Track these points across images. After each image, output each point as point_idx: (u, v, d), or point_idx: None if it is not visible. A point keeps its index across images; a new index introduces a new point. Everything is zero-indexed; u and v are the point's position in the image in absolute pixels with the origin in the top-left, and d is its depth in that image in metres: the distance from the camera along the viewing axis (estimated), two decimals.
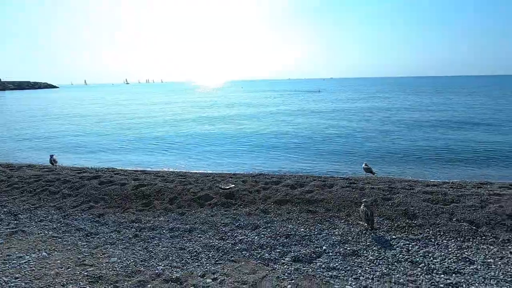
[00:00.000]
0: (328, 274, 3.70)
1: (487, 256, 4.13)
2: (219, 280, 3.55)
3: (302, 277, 3.62)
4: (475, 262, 3.98)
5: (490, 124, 17.91)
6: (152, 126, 20.82)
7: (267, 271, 3.76)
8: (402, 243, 4.48)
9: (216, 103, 39.79)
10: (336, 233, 4.80)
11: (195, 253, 4.23)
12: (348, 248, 4.32)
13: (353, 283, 3.51)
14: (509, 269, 3.82)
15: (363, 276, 3.64)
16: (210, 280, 3.56)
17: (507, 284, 3.52)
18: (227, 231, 4.90)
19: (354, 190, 6.36)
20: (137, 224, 5.28)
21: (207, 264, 3.95)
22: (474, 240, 4.56)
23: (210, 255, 4.20)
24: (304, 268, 3.82)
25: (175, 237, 4.76)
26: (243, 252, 4.25)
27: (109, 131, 19.15)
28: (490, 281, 3.58)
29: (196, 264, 3.96)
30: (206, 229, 5.00)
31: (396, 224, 5.03)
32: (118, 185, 7.03)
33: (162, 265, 3.93)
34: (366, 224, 4.88)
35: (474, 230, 4.78)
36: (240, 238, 4.67)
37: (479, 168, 9.78)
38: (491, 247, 4.39)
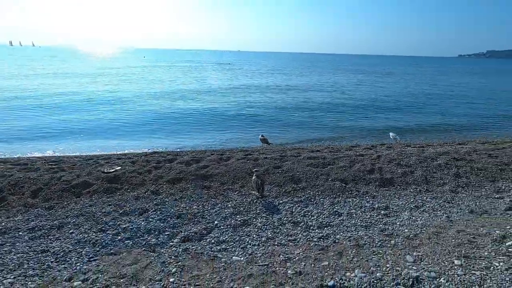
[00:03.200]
0: (217, 248, 3.68)
1: (351, 208, 4.93)
2: (90, 280, 3.06)
3: (189, 257, 3.49)
4: (342, 214, 4.69)
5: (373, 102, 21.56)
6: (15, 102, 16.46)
7: (152, 258, 3.46)
8: (287, 207, 4.88)
9: (109, 74, 34.48)
10: (229, 205, 4.84)
11: (62, 254, 3.53)
12: (239, 219, 4.42)
13: (240, 253, 3.60)
14: (364, 216, 4.65)
15: (250, 244, 3.79)
16: (79, 282, 3.03)
17: (362, 228, 4.28)
18: (108, 220, 4.30)
19: (248, 161, 6.55)
20: None
21: (78, 264, 3.35)
22: (343, 195, 5.37)
23: (83, 252, 3.58)
24: (193, 247, 3.70)
25: (36, 238, 3.87)
26: (125, 242, 3.80)
27: None
28: (351, 228, 4.28)
29: (63, 266, 3.32)
30: (82, 222, 4.26)
31: (284, 190, 5.44)
32: None
33: (12, 277, 3.13)
34: (257, 193, 5.09)
35: (344, 187, 5.63)
36: (124, 226, 4.16)
37: (353, 135, 11.68)
38: (354, 199, 5.26)
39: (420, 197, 5.39)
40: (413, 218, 4.63)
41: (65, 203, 4.82)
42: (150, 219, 4.36)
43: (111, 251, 3.62)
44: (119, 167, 5.94)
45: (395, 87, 27.46)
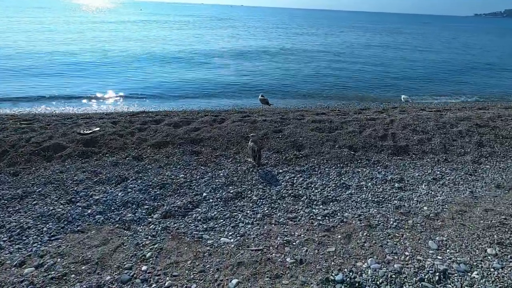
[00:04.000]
0: (203, 227, 3.12)
1: (361, 179, 4.30)
2: (46, 266, 2.52)
3: (169, 237, 2.94)
4: (350, 187, 4.08)
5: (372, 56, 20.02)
6: None
7: (124, 238, 2.91)
8: (288, 177, 4.25)
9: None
10: (221, 174, 4.22)
11: (19, 231, 2.97)
12: (232, 191, 3.82)
13: (230, 233, 3.04)
14: (376, 190, 4.04)
15: (243, 223, 3.22)
16: (31, 269, 2.49)
17: (374, 204, 3.69)
18: (80, 190, 3.70)
19: (245, 124, 5.81)
20: None
21: (36, 244, 2.81)
22: (352, 164, 4.73)
23: (44, 229, 3.03)
24: (175, 225, 3.13)
25: None
26: (96, 217, 3.23)
27: None
28: (361, 204, 3.69)
29: (17, 247, 2.77)
30: (49, 192, 3.66)
31: (284, 157, 4.78)
32: None
33: None
34: (253, 161, 4.45)
35: (352, 155, 4.96)
36: (97, 197, 3.57)
37: (361, 94, 10.73)
38: (364, 169, 4.62)
39: (439, 168, 4.75)
40: (432, 193, 4.02)
41: (33, 168, 4.20)
42: (129, 189, 3.76)
43: (78, 228, 3.06)
44: (98, 128, 5.23)
45: (407, 47, 25.59)
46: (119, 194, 3.66)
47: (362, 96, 10.65)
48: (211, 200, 3.63)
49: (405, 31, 50.81)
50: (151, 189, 3.80)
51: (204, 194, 3.75)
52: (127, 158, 4.51)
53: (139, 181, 3.95)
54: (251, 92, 10.22)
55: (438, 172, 4.63)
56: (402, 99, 9.72)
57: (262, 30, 37.79)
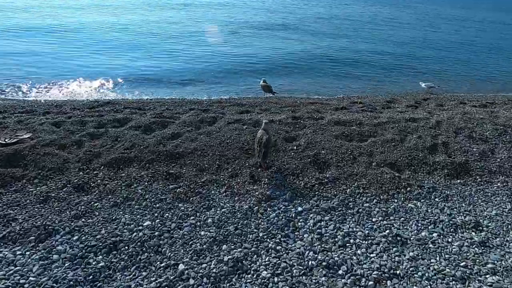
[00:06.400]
0: None
1: (419, 225, 2.88)
2: None
3: None
4: (409, 243, 2.65)
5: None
6: None
7: None
8: (312, 222, 2.80)
9: None
10: (210, 220, 2.71)
11: None
12: (227, 258, 2.35)
13: None
14: (449, 249, 2.62)
15: None
16: None
17: (458, 285, 2.29)
18: None
19: (245, 126, 4.21)
20: None
21: None
22: (399, 195, 3.28)
23: None
24: None
25: None
26: None
27: None
28: (437, 283, 2.28)
29: None
30: None
31: (303, 183, 3.28)
32: None
33: None
34: (256, 156, 3.34)
35: (397, 178, 3.49)
36: None
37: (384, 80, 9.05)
38: (419, 203, 3.19)
39: None
40: None
41: None
42: (53, 258, 2.25)
43: None
44: (28, 135, 3.56)
45: (418, 23, 23.43)
46: (34, 270, 2.14)
47: (378, 78, 8.96)
48: (191, 281, 2.15)
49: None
50: (92, 256, 2.29)
51: (181, 266, 2.26)
52: (64, 189, 2.93)
53: (74, 238, 2.42)
54: (250, 73, 8.40)
55: None
56: (424, 86, 8.08)
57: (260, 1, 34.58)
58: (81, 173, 3.13)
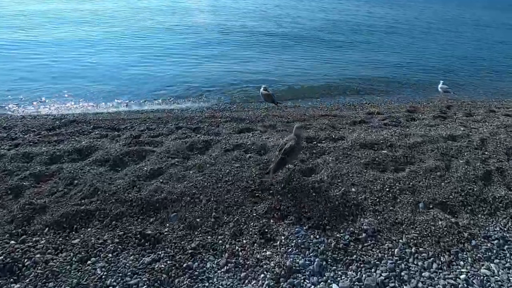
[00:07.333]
0: None
1: None
2: None
3: None
4: None
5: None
6: None
7: None
8: None
9: None
10: None
11: None
12: None
13: None
14: None
15: None
16: None
17: None
18: None
19: (248, 156, 3.25)
20: None
21: None
22: (463, 254, 2.39)
23: None
24: None
25: None
26: None
27: None
28: None
29: None
30: None
31: (334, 242, 2.36)
32: None
33: None
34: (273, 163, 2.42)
35: (455, 225, 2.61)
36: None
37: (382, 84, 8.21)
38: (493, 266, 2.31)
39: None
40: None
41: None
42: None
43: None
44: None
45: (418, 22, 22.83)
46: None
47: (388, 80, 8.15)
48: None
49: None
50: None
51: None
52: None
53: None
54: (247, 82, 7.42)
55: None
56: (439, 89, 7.34)
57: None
58: (12, 242, 2.13)
